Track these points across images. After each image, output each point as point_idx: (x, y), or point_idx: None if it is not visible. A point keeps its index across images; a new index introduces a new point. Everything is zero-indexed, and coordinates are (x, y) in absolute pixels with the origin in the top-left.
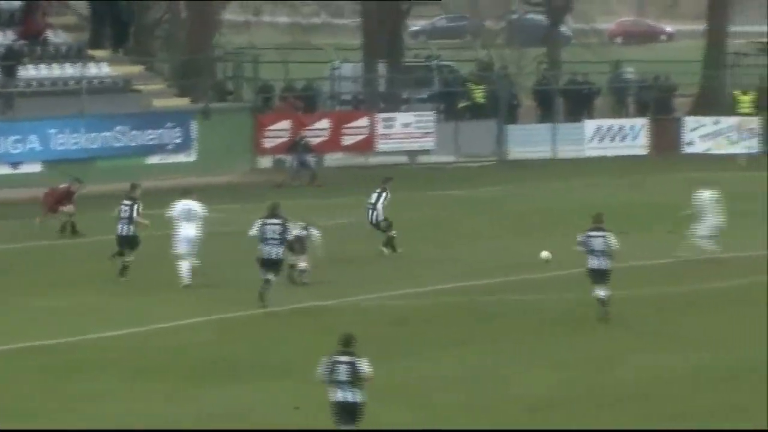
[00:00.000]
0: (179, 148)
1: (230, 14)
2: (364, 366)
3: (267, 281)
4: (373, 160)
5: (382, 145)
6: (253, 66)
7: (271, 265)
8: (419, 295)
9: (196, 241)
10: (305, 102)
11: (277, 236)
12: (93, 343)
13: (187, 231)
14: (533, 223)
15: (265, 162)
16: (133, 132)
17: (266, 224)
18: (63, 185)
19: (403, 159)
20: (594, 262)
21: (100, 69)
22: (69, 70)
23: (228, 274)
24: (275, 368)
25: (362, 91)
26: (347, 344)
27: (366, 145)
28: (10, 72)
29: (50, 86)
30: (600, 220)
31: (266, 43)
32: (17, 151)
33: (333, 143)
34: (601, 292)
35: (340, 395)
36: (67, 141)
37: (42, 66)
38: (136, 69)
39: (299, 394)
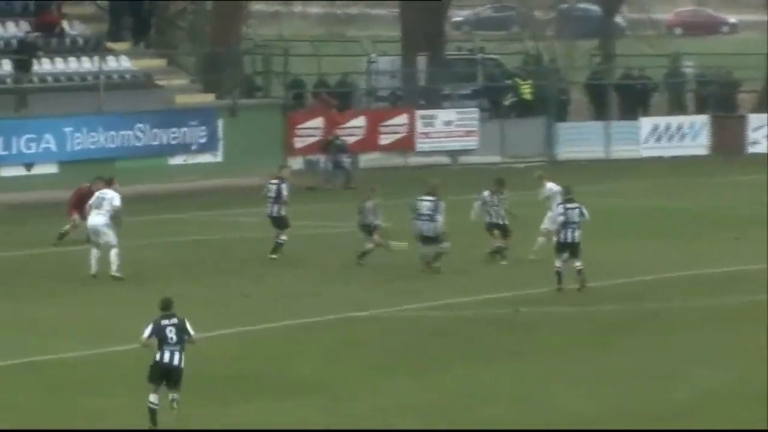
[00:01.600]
0: (204, 148)
1: (259, 4)
2: (189, 326)
3: (429, 262)
4: (412, 160)
5: (421, 145)
6: (283, 60)
7: (427, 240)
8: (461, 306)
9: (104, 229)
10: (339, 98)
11: (427, 212)
12: (107, 358)
13: (95, 219)
14: (586, 229)
15: (296, 163)
16: (155, 130)
17: (420, 200)
18: (85, 185)
19: (445, 159)
20: (569, 235)
21: (120, 63)
22: (86, 64)
23: (253, 284)
24: (300, 383)
25: (400, 87)
26: (167, 307)
27: (404, 145)
28: (24, 66)
29: (66, 81)
30: (570, 192)
31: (298, 35)
32: (31, 151)
33: (369, 143)
34: (574, 264)
35: (167, 356)
36: (84, 140)
37: (58, 60)
38: (158, 63)
39: (325, 410)
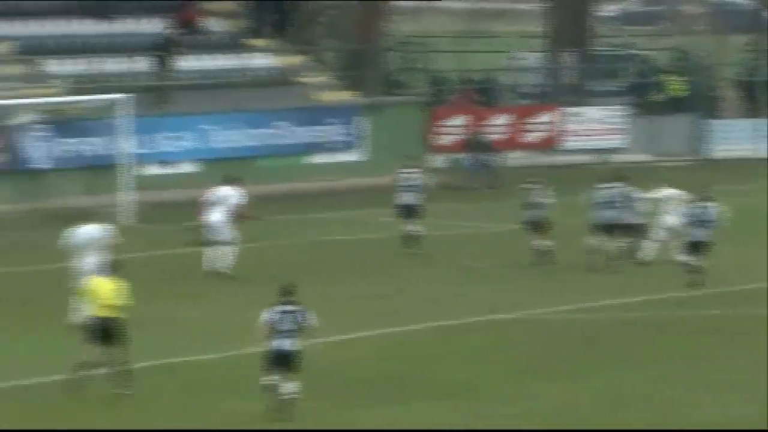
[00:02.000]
0: (344, 146)
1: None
2: (310, 317)
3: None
4: (558, 158)
5: (567, 143)
6: (426, 56)
7: (611, 230)
8: (608, 308)
9: (223, 228)
10: (483, 95)
11: (610, 200)
12: (246, 359)
13: (213, 217)
14: (738, 231)
15: (438, 161)
16: (295, 128)
17: (605, 188)
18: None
19: (591, 158)
20: (699, 234)
21: (260, 60)
22: (226, 61)
23: (395, 285)
24: (444, 386)
25: (546, 83)
26: (289, 293)
27: (550, 143)
28: (164, 63)
29: (206, 79)
30: (706, 190)
31: (441, 31)
32: (170, 149)
33: (513, 140)
34: (696, 261)
35: (277, 343)
36: (223, 138)
37: (197, 57)
38: (299, 59)
39: (469, 413)
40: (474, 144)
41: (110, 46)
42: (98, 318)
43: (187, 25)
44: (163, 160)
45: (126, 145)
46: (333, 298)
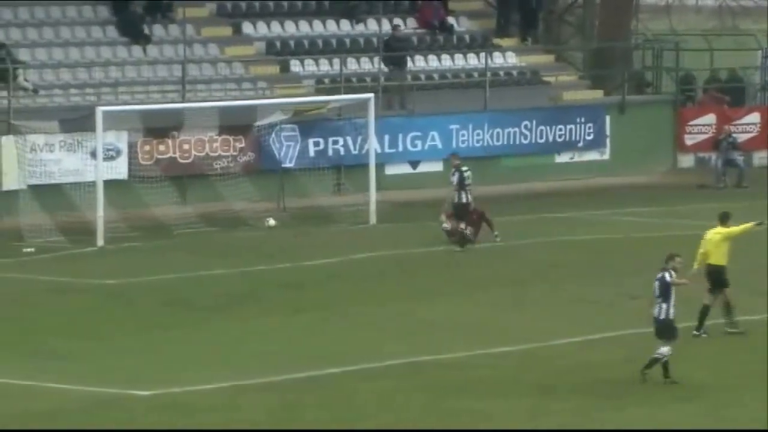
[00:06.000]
0: (591, 146)
1: None
2: (668, 275)
3: None
4: None
5: None
6: (674, 54)
7: None
8: None
9: None
10: (732, 94)
11: None
12: (491, 359)
13: None
14: None
15: (687, 161)
16: (541, 128)
17: None
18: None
19: None
20: None
21: (506, 59)
22: (473, 60)
23: (644, 285)
24: (689, 389)
25: None
26: (667, 261)
27: None
28: (398, 64)
29: (452, 79)
30: None
31: (690, 29)
32: (416, 149)
33: (763, 140)
34: None
35: (654, 309)
36: (469, 138)
37: (444, 57)
38: (546, 59)
39: (711, 417)
40: (722, 144)
41: (358, 47)
42: (709, 265)
43: (435, 24)
44: (413, 160)
45: (373, 144)
46: (579, 297)
